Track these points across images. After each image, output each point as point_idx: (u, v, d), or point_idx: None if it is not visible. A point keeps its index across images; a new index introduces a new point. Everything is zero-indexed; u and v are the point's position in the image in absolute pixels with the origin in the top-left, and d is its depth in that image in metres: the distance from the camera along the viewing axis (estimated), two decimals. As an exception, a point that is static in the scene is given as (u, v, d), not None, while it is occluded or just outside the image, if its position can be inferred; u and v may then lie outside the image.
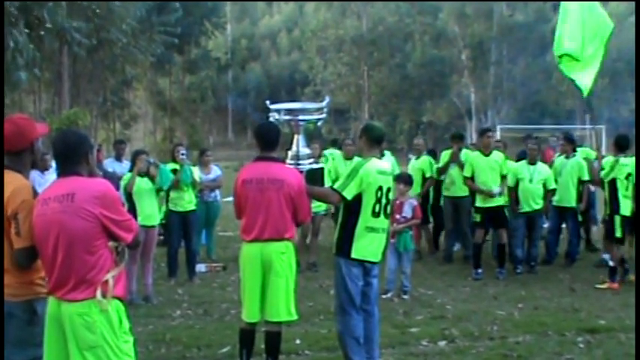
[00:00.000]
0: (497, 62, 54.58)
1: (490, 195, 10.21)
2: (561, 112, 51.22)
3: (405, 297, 9.06)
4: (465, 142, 12.88)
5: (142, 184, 9.02)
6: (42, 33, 28.23)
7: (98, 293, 3.84)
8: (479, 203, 10.46)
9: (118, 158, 12.84)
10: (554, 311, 8.32)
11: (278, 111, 6.24)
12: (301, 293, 7.46)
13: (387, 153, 12.53)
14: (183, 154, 10.33)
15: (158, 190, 9.30)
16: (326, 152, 12.54)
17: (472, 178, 10.51)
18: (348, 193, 5.67)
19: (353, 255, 5.78)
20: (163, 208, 10.60)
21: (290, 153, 6.25)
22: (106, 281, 3.88)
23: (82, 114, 27.46)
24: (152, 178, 9.16)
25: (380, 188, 5.76)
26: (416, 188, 11.84)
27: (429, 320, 7.91)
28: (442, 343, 6.98)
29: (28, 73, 26.86)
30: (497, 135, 30.12)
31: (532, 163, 10.93)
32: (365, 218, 5.75)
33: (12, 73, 25.05)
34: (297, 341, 6.91)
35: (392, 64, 58.38)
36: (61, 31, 28.31)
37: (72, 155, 4.00)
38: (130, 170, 9.15)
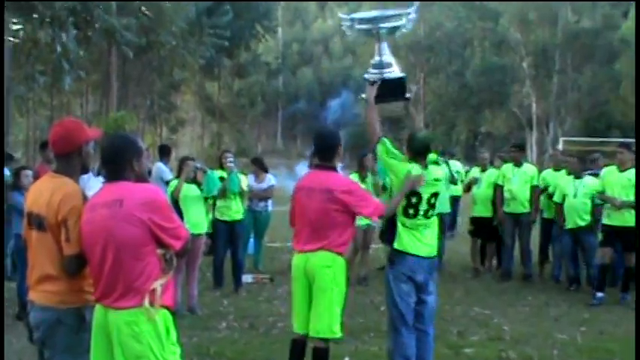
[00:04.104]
0: (562, 71, 53.65)
1: (617, 205, 9.81)
2: (629, 124, 50.28)
3: None
4: (525, 154, 12.91)
5: (189, 191, 9.06)
6: (89, 34, 28.64)
7: (146, 301, 3.86)
8: (606, 220, 10.10)
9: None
10: (622, 337, 8.07)
11: (352, 20, 6.18)
12: (351, 308, 7.43)
13: (450, 161, 12.87)
14: (230, 161, 10.38)
15: (205, 198, 9.35)
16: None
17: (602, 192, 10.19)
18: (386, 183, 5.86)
19: (396, 246, 5.93)
20: (210, 217, 10.65)
21: (372, 62, 6.21)
22: (154, 289, 3.89)
23: (129, 117, 27.78)
24: (199, 185, 9.22)
25: (415, 193, 5.85)
26: (486, 206, 12.12)
27: (485, 341, 7.80)
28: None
29: (74, 75, 27.24)
30: (560, 147, 29.73)
31: (577, 176, 10.82)
32: (400, 217, 5.92)
33: (58, 77, 25.44)
34: (346, 359, 6.86)
35: (450, 71, 58.19)
36: (110, 30, 28.65)
37: (119, 160, 4.02)
38: (177, 176, 9.22)
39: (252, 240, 12.43)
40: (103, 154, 4.10)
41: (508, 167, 11.90)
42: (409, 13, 6.11)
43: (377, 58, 6.19)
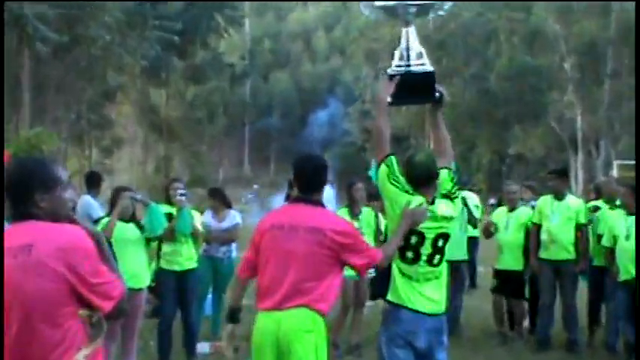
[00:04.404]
0: (615, 74, 53.83)
1: None
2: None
3: None
4: (569, 183, 12.83)
5: (125, 231, 9.01)
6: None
7: None
8: None
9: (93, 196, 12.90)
10: None
11: None
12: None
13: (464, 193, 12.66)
14: (181, 194, 10.33)
15: (147, 241, 9.30)
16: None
17: None
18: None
19: (390, 298, 5.97)
20: (153, 266, 10.56)
21: (396, 52, 6.24)
22: None
23: (47, 136, 27.51)
24: (139, 224, 9.17)
25: (416, 232, 5.85)
26: (514, 255, 12.02)
27: None
28: None
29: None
30: (614, 172, 29.87)
31: (630, 213, 10.81)
32: (397, 261, 5.97)
33: None
34: None
35: (467, 76, 58.62)
36: (20, 21, 28.49)
37: (20, 194, 3.95)
38: (110, 213, 9.17)
39: (210, 296, 12.35)
40: (5, 185, 4.01)
41: (546, 201, 11.86)
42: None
43: (403, 45, 6.21)
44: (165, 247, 10.20)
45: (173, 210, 10.11)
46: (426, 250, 5.87)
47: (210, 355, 10.95)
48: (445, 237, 5.95)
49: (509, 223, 12.15)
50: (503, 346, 11.67)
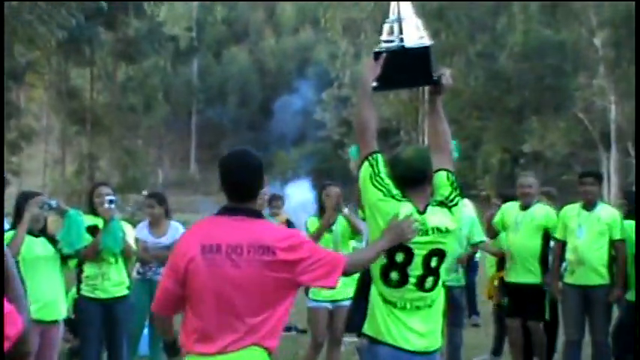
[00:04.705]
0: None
1: None
2: None
3: None
4: (601, 187, 12.79)
5: (34, 248, 8.96)
6: None
7: None
8: None
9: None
10: None
11: None
12: None
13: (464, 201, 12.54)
14: (110, 201, 10.25)
15: (64, 259, 9.25)
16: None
17: None
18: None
19: (366, 330, 6.01)
20: (73, 292, 10.43)
21: (385, 24, 6.23)
22: None
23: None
24: (53, 239, 9.07)
25: (404, 249, 5.84)
26: (531, 266, 11.85)
27: None
28: None
29: None
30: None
31: None
32: (377, 283, 6.01)
33: None
34: None
35: (472, 53, 58.91)
36: None
37: None
38: (14, 226, 9.05)
39: (146, 331, 12.27)
40: None
41: (572, 211, 11.89)
42: None
43: (392, 16, 6.23)
44: (88, 269, 10.04)
45: (99, 222, 10.00)
46: (415, 270, 5.87)
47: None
48: (440, 254, 5.95)
49: (521, 223, 12.06)
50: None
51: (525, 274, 11.84)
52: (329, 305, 10.47)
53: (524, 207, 12.01)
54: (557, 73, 56.11)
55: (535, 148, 57.28)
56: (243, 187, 5.60)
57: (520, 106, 57.73)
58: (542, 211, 11.98)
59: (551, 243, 11.83)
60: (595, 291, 11.40)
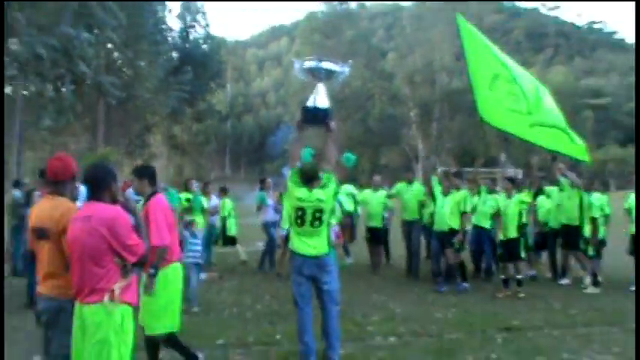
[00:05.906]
0: (439, 119, 54.83)
1: None
2: (488, 158, 51.56)
3: None
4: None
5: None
6: (83, 89, 28.08)
7: (106, 299, 3.78)
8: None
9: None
10: (480, 314, 8.29)
11: (301, 63, 6.05)
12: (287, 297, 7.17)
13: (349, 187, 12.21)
14: (196, 186, 10.17)
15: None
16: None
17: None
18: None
19: (290, 246, 5.87)
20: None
21: (311, 96, 5.93)
22: (113, 290, 3.81)
23: (112, 152, 27.38)
24: None
25: (299, 208, 5.73)
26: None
27: (382, 320, 7.83)
28: (392, 339, 6.94)
29: (63, 118, 26.65)
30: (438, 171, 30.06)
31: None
32: (292, 225, 5.84)
33: (41, 118, 25.08)
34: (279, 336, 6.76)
35: (356, 119, 58.69)
36: (99, 86, 28.24)
37: (96, 185, 3.95)
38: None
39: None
40: (85, 179, 4.01)
41: (402, 186, 11.42)
42: (345, 70, 6.19)
43: (312, 97, 6.05)
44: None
45: (190, 195, 9.26)
46: (309, 217, 5.76)
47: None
48: (320, 211, 5.78)
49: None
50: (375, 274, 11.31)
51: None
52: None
53: (375, 190, 11.98)
54: (395, 128, 55.49)
55: (385, 162, 56.78)
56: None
57: (378, 143, 57.67)
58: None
59: None
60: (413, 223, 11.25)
